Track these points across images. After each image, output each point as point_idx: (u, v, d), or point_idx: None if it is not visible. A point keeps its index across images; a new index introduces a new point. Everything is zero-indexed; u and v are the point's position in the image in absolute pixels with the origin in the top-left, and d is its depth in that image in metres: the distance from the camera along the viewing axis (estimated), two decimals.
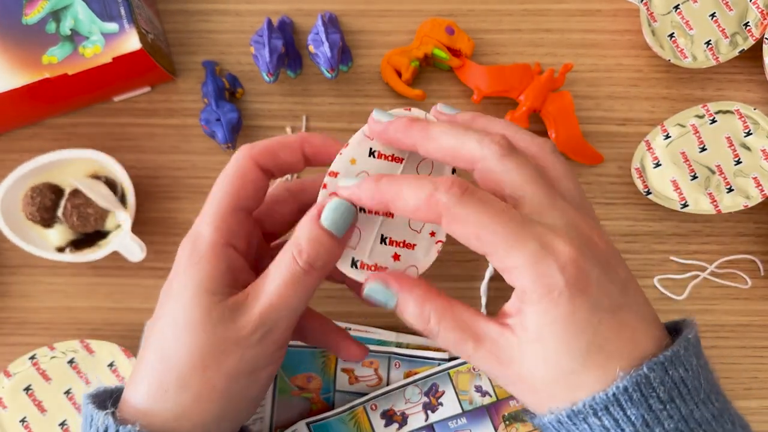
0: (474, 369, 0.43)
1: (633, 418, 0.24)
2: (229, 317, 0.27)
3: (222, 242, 0.29)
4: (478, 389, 0.43)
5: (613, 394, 0.24)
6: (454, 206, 0.25)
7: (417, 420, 0.43)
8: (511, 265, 0.25)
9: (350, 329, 0.45)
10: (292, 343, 0.45)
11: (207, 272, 0.28)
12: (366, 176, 0.28)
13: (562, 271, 0.24)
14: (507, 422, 0.42)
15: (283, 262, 0.28)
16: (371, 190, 0.27)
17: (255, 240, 0.32)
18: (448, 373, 0.43)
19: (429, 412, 0.43)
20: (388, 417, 0.43)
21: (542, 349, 0.25)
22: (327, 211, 0.27)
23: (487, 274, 0.47)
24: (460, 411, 0.43)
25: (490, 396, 0.43)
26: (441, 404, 0.43)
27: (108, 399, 0.30)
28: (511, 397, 0.43)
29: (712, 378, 0.26)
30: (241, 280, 0.30)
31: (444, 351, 0.45)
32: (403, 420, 0.43)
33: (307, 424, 0.43)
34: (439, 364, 0.44)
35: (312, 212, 0.28)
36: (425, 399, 0.43)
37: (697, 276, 0.49)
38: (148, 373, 0.28)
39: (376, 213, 0.29)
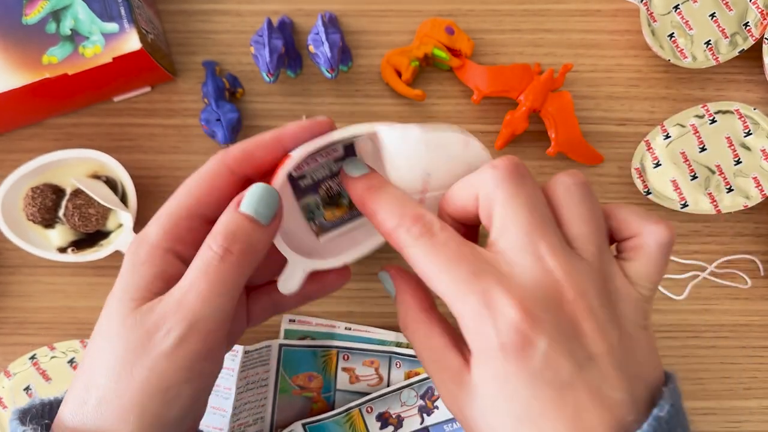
0: None
1: None
2: (140, 322, 0.25)
3: (164, 246, 0.26)
4: None
5: None
6: (409, 247, 0.24)
7: (412, 423, 0.43)
8: (457, 315, 0.23)
9: (350, 329, 0.46)
10: (293, 342, 0.45)
11: (136, 278, 0.26)
12: (370, 171, 0.28)
13: (498, 334, 0.22)
14: None
15: (198, 253, 0.25)
16: (360, 194, 0.27)
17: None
18: None
19: (424, 415, 0.43)
20: (384, 420, 0.43)
21: (481, 401, 0.23)
22: (248, 197, 0.26)
23: None
24: None
25: None
26: (437, 408, 0.43)
27: (40, 415, 0.27)
28: None
29: None
30: None
31: None
32: (399, 423, 0.43)
33: (303, 425, 0.43)
34: None
35: (235, 199, 0.26)
36: (421, 402, 0.43)
37: (696, 276, 0.49)
38: (74, 386, 0.26)
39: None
